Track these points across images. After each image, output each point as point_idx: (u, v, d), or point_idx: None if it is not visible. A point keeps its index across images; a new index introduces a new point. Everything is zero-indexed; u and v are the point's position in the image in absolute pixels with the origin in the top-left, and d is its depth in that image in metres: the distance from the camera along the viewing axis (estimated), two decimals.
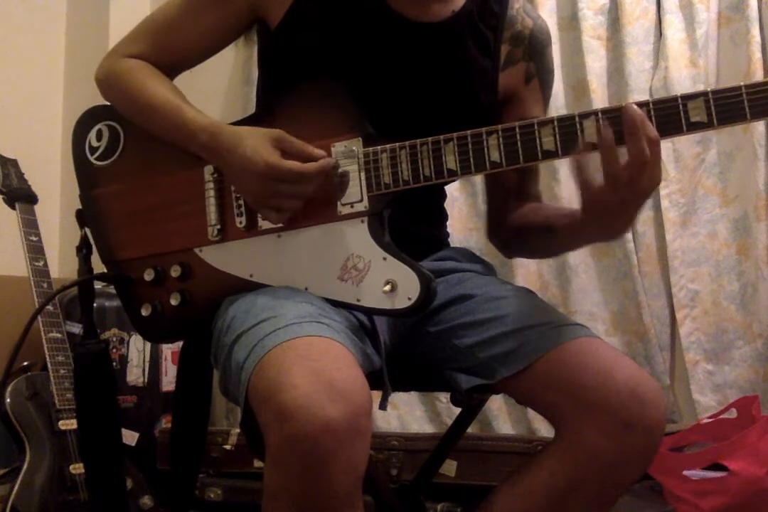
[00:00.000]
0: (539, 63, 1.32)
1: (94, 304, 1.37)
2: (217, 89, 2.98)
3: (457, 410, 1.34)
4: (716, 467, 1.72)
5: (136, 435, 2.37)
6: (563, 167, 2.42)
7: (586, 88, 2.40)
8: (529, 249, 1.35)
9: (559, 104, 2.37)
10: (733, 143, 2.25)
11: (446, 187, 1.39)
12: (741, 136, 2.22)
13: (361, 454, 0.92)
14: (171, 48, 1.29)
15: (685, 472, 1.75)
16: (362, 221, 1.11)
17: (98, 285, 1.41)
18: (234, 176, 1.15)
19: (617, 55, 2.39)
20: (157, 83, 1.25)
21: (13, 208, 2.29)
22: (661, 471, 1.75)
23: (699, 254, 2.27)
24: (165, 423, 2.48)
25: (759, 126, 2.14)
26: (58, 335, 2.18)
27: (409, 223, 1.23)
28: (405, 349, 1.23)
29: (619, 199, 1.01)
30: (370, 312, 1.13)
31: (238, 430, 2.32)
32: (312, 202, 1.12)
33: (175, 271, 1.23)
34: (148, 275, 1.25)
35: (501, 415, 2.45)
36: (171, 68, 1.30)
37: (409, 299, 1.06)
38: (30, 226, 2.27)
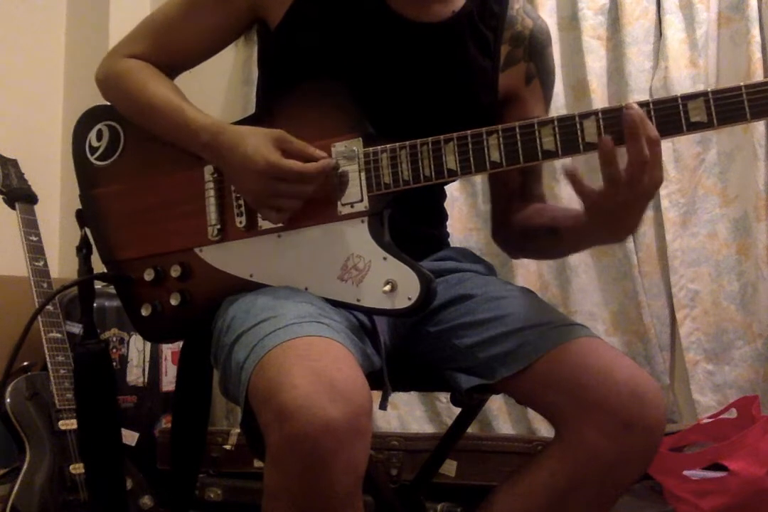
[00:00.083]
0: (539, 63, 1.32)
1: (94, 304, 1.37)
2: (217, 89, 2.98)
3: (457, 410, 1.34)
4: (716, 467, 1.72)
5: (136, 435, 2.37)
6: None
7: (586, 88, 2.40)
8: (535, 250, 1.35)
9: (559, 104, 2.37)
10: (733, 143, 2.25)
11: (446, 187, 1.39)
12: (741, 136, 2.22)
13: (361, 454, 0.92)
14: (171, 48, 1.29)
15: (685, 472, 1.75)
16: (362, 221, 1.11)
17: (98, 285, 1.41)
18: (234, 175, 1.15)
19: (617, 55, 2.39)
20: (157, 83, 1.25)
21: (13, 208, 2.29)
22: (661, 471, 1.75)
23: (699, 254, 2.27)
24: (165, 423, 2.48)
25: (759, 126, 2.14)
26: (58, 335, 2.18)
27: (409, 223, 1.23)
28: (405, 349, 1.23)
29: (620, 201, 1.01)
30: (370, 312, 1.13)
31: (238, 430, 2.32)
32: (312, 202, 1.12)
33: (175, 271, 1.23)
34: (148, 275, 1.25)
35: (501, 415, 2.45)
36: (171, 68, 1.30)
37: (409, 299, 1.06)
38: (30, 226, 2.27)
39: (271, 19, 1.24)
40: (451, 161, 1.08)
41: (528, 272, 2.46)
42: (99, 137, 1.33)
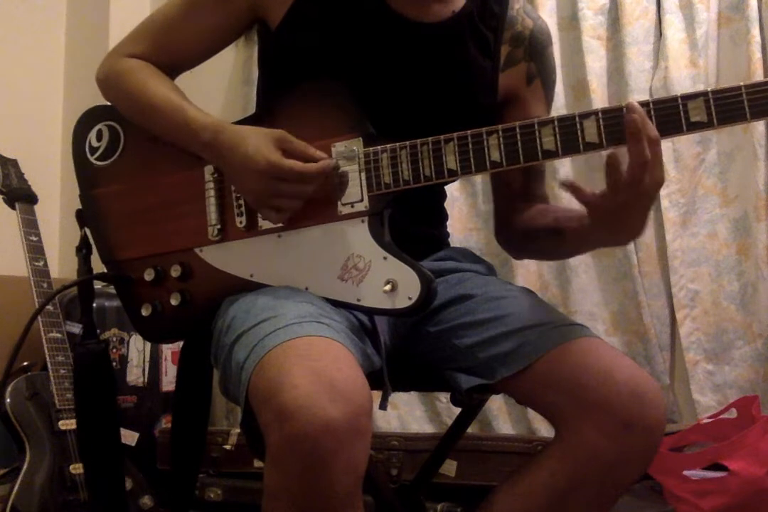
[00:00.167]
0: (540, 63, 1.31)
1: (94, 304, 1.37)
2: (217, 89, 2.98)
3: (457, 410, 1.34)
4: (716, 467, 1.72)
5: (136, 435, 2.37)
6: (563, 167, 2.42)
7: (586, 88, 2.40)
8: (537, 251, 1.34)
9: (559, 104, 2.37)
10: (733, 143, 2.25)
11: (446, 187, 1.39)
12: (741, 136, 2.22)
13: (361, 454, 0.92)
14: (171, 48, 1.29)
15: (685, 472, 1.75)
16: (362, 221, 1.11)
17: (98, 285, 1.41)
18: (235, 175, 1.15)
19: (617, 55, 2.39)
20: (158, 83, 1.25)
21: (13, 208, 2.29)
22: (661, 471, 1.75)
23: (699, 254, 2.27)
24: (165, 423, 2.48)
25: (759, 126, 2.14)
26: (58, 335, 2.18)
27: (409, 223, 1.23)
28: (405, 349, 1.23)
29: (622, 201, 1.01)
30: (370, 312, 1.13)
31: (238, 430, 2.32)
32: (312, 202, 1.12)
33: (175, 271, 1.23)
34: (148, 275, 1.25)
35: (501, 415, 2.45)
36: (171, 68, 1.30)
37: (410, 299, 1.06)
38: (30, 226, 2.27)
39: (272, 19, 1.24)
40: (451, 161, 1.08)
41: (528, 272, 2.46)
42: (99, 137, 1.33)
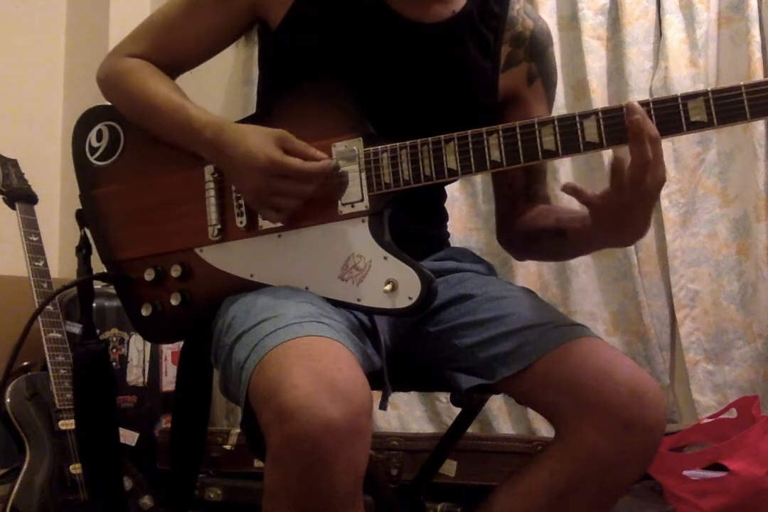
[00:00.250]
0: (541, 64, 1.31)
1: (94, 304, 1.37)
2: (217, 89, 2.98)
3: (457, 410, 1.34)
4: (716, 467, 1.72)
5: (136, 435, 2.37)
6: (563, 167, 2.42)
7: (586, 88, 2.40)
8: (539, 252, 1.34)
9: (559, 104, 2.37)
10: (733, 143, 2.25)
11: (446, 187, 1.39)
12: (741, 136, 2.22)
13: (361, 454, 0.92)
14: (171, 48, 1.29)
15: (685, 472, 1.75)
16: (363, 221, 1.11)
17: (98, 285, 1.41)
18: (235, 173, 1.15)
19: (617, 55, 2.39)
20: (158, 82, 1.25)
21: (13, 208, 2.29)
22: (661, 471, 1.75)
23: (699, 254, 2.27)
24: (165, 423, 2.48)
25: (759, 126, 2.14)
26: (58, 335, 2.18)
27: (409, 223, 1.23)
28: (405, 349, 1.23)
29: (624, 202, 1.01)
30: (370, 311, 1.13)
31: (238, 430, 2.32)
32: (312, 202, 1.12)
33: (175, 271, 1.23)
34: (149, 275, 1.25)
35: (501, 415, 2.45)
36: (172, 68, 1.30)
37: (410, 299, 1.06)
38: (30, 226, 2.27)
39: (272, 19, 1.24)
40: (451, 161, 1.08)
41: (528, 272, 2.46)
42: (99, 137, 1.33)
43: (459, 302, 1.21)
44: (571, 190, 1.03)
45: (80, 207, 1.35)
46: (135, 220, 1.29)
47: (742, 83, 0.95)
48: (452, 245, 1.40)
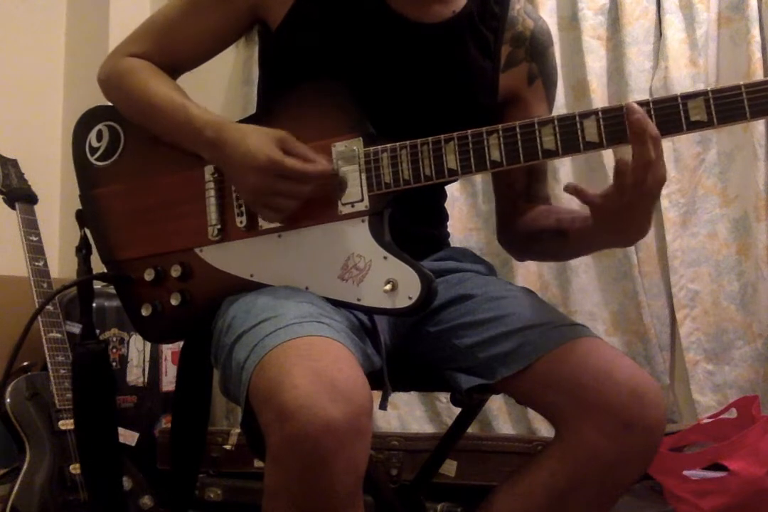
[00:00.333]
0: (541, 64, 1.31)
1: (94, 304, 1.37)
2: (217, 89, 2.98)
3: (457, 410, 1.34)
4: (716, 467, 1.72)
5: (136, 435, 2.37)
6: (563, 167, 2.42)
7: (586, 88, 2.40)
8: (540, 252, 1.34)
9: (559, 104, 2.37)
10: (733, 143, 2.25)
11: (446, 187, 1.39)
12: (741, 135, 2.22)
13: (361, 454, 0.92)
14: (172, 48, 1.29)
15: (685, 472, 1.75)
16: (363, 221, 1.11)
17: (98, 285, 1.41)
18: (234, 173, 1.15)
19: (617, 55, 2.39)
20: (159, 82, 1.25)
21: (13, 208, 2.29)
22: (661, 471, 1.75)
23: (699, 254, 2.27)
24: (165, 423, 2.48)
25: (759, 126, 2.14)
26: (58, 335, 2.18)
27: (409, 223, 1.23)
28: (405, 349, 1.23)
29: (626, 202, 1.01)
30: (370, 311, 1.13)
31: (238, 430, 2.32)
32: (312, 202, 1.12)
33: (175, 271, 1.23)
34: (149, 275, 1.25)
35: (501, 415, 2.45)
36: (173, 68, 1.30)
37: (410, 298, 1.06)
38: (30, 226, 2.27)
39: (272, 19, 1.24)
40: (451, 160, 1.08)
41: (528, 272, 2.46)
42: (99, 137, 1.33)
43: (459, 302, 1.21)
44: (573, 189, 1.03)
45: (80, 207, 1.35)
46: (135, 220, 1.29)
47: (741, 83, 0.95)
48: (452, 245, 1.40)
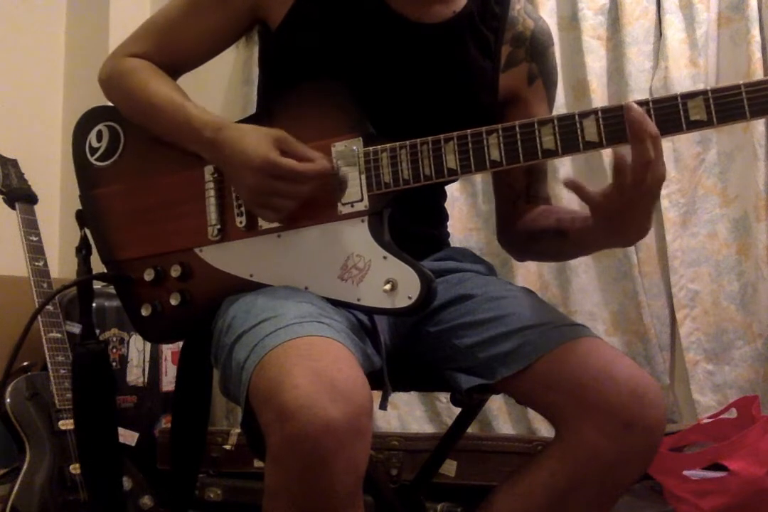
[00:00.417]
0: (541, 64, 1.31)
1: (94, 304, 1.37)
2: (217, 89, 2.98)
3: (457, 410, 1.34)
4: (716, 467, 1.72)
5: (136, 435, 2.37)
6: (563, 167, 2.42)
7: (586, 88, 2.40)
8: (540, 252, 1.34)
9: (559, 104, 2.37)
10: (733, 143, 2.25)
11: (446, 187, 1.39)
12: (741, 135, 2.22)
13: (361, 454, 0.92)
14: (172, 48, 1.29)
15: (685, 472, 1.75)
16: (362, 220, 1.11)
17: (98, 284, 1.41)
18: (232, 172, 1.15)
19: (617, 55, 2.39)
20: (160, 83, 1.25)
21: (13, 208, 2.29)
22: (661, 471, 1.75)
23: (699, 254, 2.27)
24: (165, 423, 2.48)
25: (759, 126, 2.14)
26: (58, 335, 2.18)
27: (409, 223, 1.23)
28: (405, 349, 1.23)
29: (626, 201, 1.01)
30: (370, 311, 1.13)
31: (238, 430, 2.32)
32: (312, 202, 1.12)
33: (175, 271, 1.23)
34: (148, 275, 1.25)
35: (501, 415, 2.45)
36: (173, 69, 1.30)
37: (410, 298, 1.06)
38: (30, 226, 2.27)
39: (272, 19, 1.24)
40: (451, 160, 1.08)
41: (528, 272, 2.46)
42: (99, 138, 1.33)
43: (459, 302, 1.21)
44: (572, 184, 1.03)
45: (80, 207, 1.35)
46: (135, 220, 1.29)
47: (741, 82, 0.95)
48: (452, 245, 1.40)
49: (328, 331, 0.99)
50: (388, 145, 1.10)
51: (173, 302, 1.22)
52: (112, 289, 1.37)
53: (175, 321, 1.24)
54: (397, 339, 1.22)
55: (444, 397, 2.48)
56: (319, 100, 1.16)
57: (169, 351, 2.54)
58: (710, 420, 1.95)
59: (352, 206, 1.12)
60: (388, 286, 1.07)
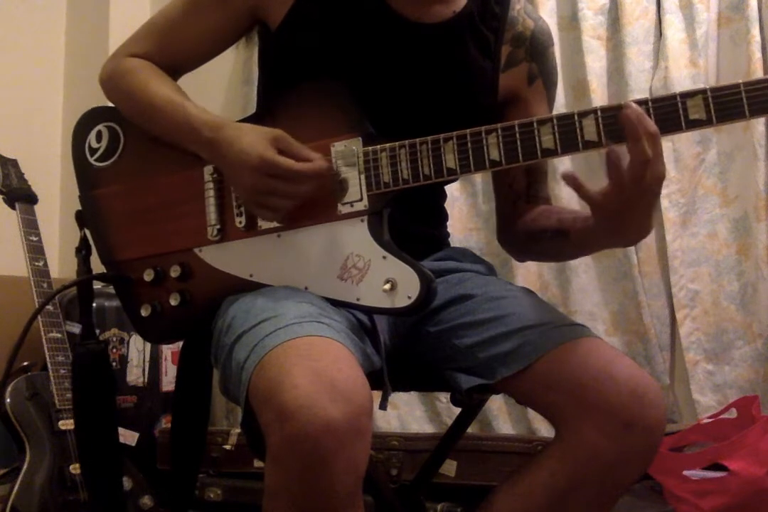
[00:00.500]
0: (541, 64, 1.31)
1: (94, 304, 1.37)
2: (217, 89, 2.98)
3: (457, 410, 1.34)
4: (716, 467, 1.72)
5: (136, 435, 2.37)
6: (563, 166, 2.42)
7: (586, 88, 2.40)
8: (541, 252, 1.34)
9: (559, 104, 2.37)
10: (733, 143, 2.25)
11: (446, 187, 1.39)
12: (741, 135, 2.22)
13: (361, 454, 0.92)
14: (172, 49, 1.29)
15: (685, 472, 1.75)
16: (362, 220, 1.11)
17: (98, 284, 1.41)
18: (230, 171, 1.15)
19: (617, 55, 2.39)
20: (160, 83, 1.25)
21: (13, 208, 2.29)
22: (661, 471, 1.75)
23: (699, 254, 2.27)
24: (165, 423, 2.48)
25: (759, 126, 2.14)
26: (58, 335, 2.18)
27: (409, 223, 1.23)
28: (405, 349, 1.23)
29: (625, 199, 1.00)
30: (370, 311, 1.13)
31: (238, 430, 2.32)
32: (311, 202, 1.12)
33: (174, 271, 1.23)
34: (148, 275, 1.25)
35: (501, 415, 2.45)
36: (174, 69, 1.31)
37: (409, 298, 1.06)
38: (30, 226, 2.27)
39: (272, 20, 1.24)
40: (450, 160, 1.08)
41: (528, 272, 2.46)
42: (98, 138, 1.33)
43: (459, 302, 1.21)
44: (570, 179, 1.03)
45: (80, 207, 1.35)
46: (134, 221, 1.29)
47: (741, 81, 0.95)
48: (452, 245, 1.40)
49: (327, 331, 0.99)
50: (387, 145, 1.10)
51: (173, 302, 1.22)
52: (112, 289, 1.37)
53: (174, 322, 1.24)
54: (396, 339, 1.22)
55: (444, 397, 2.48)
56: (319, 100, 1.16)
57: (169, 351, 2.54)
58: (710, 420, 1.95)
59: (352, 206, 1.12)
60: (387, 286, 1.07)
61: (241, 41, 1.33)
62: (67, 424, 2.11)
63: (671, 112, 0.98)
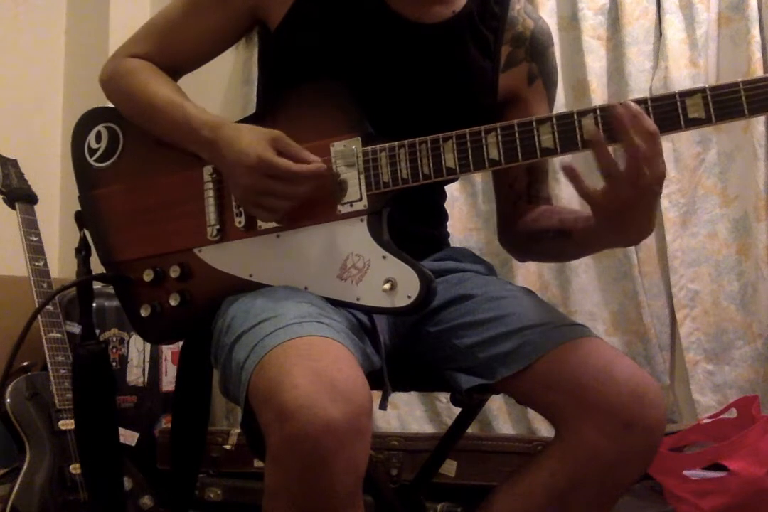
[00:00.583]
0: (541, 64, 1.31)
1: (94, 304, 1.37)
2: (217, 89, 2.98)
3: (457, 410, 1.34)
4: (716, 467, 1.72)
5: (136, 435, 2.37)
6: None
7: (586, 88, 2.40)
8: (542, 253, 1.33)
9: (559, 104, 2.36)
10: (733, 143, 2.25)
11: (446, 187, 1.39)
12: (741, 135, 2.22)
13: (361, 454, 0.92)
14: (173, 49, 1.29)
15: (685, 472, 1.75)
16: (361, 220, 1.11)
17: (98, 285, 1.41)
18: (228, 170, 1.15)
19: (617, 55, 2.39)
20: (160, 83, 1.25)
21: (13, 208, 2.29)
22: (661, 471, 1.75)
23: (699, 254, 2.27)
24: (165, 423, 2.48)
25: (759, 126, 2.14)
26: (58, 335, 2.18)
27: (408, 223, 1.23)
28: (405, 349, 1.23)
29: (624, 198, 1.00)
30: (369, 311, 1.13)
31: (238, 430, 2.32)
32: (311, 202, 1.12)
33: (174, 272, 1.23)
34: (148, 276, 1.25)
35: (501, 415, 2.45)
36: (174, 70, 1.31)
37: (409, 298, 1.06)
38: (30, 226, 2.27)
39: (272, 20, 1.24)
40: (450, 159, 1.08)
41: (528, 272, 2.46)
42: (98, 139, 1.33)
43: (459, 302, 1.21)
44: (569, 170, 1.02)
45: (80, 208, 1.35)
46: (134, 221, 1.29)
47: (740, 80, 0.95)
48: (452, 245, 1.40)
49: (327, 331, 0.99)
50: (386, 145, 1.10)
51: (172, 302, 1.22)
52: (112, 289, 1.37)
53: (174, 322, 1.24)
54: (396, 339, 1.22)
55: (444, 397, 2.48)
56: (319, 100, 1.16)
57: (169, 351, 2.54)
58: (710, 420, 1.95)
59: (351, 206, 1.12)
60: (387, 286, 1.07)
61: (241, 41, 1.33)
62: (67, 424, 2.11)
63: (670, 111, 0.98)
